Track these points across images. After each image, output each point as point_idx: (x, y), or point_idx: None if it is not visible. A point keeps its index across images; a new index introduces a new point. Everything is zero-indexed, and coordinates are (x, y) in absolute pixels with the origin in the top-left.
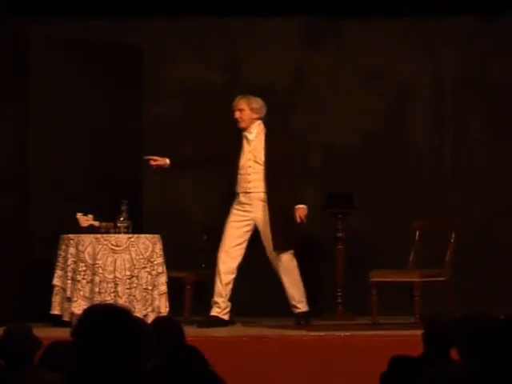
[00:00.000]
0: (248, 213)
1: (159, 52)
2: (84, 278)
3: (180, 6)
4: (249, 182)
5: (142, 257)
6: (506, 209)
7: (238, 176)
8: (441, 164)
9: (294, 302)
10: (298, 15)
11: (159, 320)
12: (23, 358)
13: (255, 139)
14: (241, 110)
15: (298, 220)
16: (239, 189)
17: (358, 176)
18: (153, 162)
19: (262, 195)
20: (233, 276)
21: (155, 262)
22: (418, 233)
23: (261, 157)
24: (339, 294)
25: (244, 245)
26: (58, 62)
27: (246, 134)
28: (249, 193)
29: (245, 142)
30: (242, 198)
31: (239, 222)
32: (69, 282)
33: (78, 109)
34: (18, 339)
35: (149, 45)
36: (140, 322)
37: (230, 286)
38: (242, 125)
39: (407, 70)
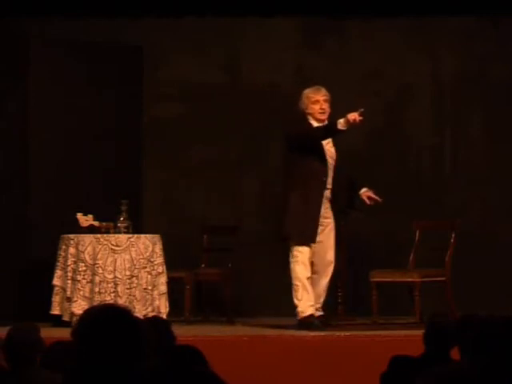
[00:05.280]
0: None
1: (159, 52)
2: (84, 278)
3: (180, 6)
4: (328, 176)
5: (142, 257)
6: (506, 209)
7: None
8: (441, 164)
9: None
10: (298, 15)
11: (147, 320)
12: (26, 358)
13: None
14: (327, 100)
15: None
16: (327, 184)
17: (359, 176)
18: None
19: (329, 192)
20: None
21: (155, 262)
22: (418, 233)
23: (333, 151)
24: (339, 293)
25: None
26: (57, 61)
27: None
28: (328, 189)
29: None
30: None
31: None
32: (69, 282)
33: (78, 109)
34: (22, 339)
35: (149, 45)
36: (140, 322)
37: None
38: (325, 117)
39: (407, 70)
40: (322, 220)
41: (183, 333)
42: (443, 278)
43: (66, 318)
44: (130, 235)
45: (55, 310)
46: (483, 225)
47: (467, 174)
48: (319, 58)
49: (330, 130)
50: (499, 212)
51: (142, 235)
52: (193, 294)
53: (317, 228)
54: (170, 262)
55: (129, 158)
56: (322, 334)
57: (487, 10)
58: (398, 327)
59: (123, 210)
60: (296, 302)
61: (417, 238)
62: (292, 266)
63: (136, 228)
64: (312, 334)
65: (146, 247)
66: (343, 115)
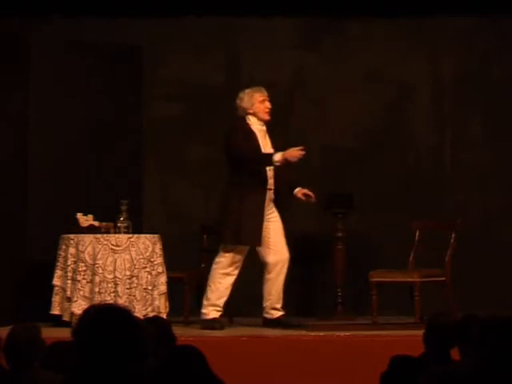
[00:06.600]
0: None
1: (159, 52)
2: (84, 278)
3: (180, 6)
4: (270, 178)
5: (142, 257)
6: (506, 209)
7: (264, 172)
8: (441, 164)
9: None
10: (297, 15)
11: (147, 320)
12: (26, 358)
13: (266, 133)
14: (269, 101)
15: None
16: (268, 185)
17: (358, 176)
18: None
19: (273, 193)
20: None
21: (155, 262)
22: (418, 233)
23: (270, 150)
24: (339, 294)
25: None
26: (57, 61)
27: (263, 127)
28: (270, 190)
29: (261, 136)
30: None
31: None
32: (69, 281)
33: (78, 109)
34: (22, 339)
35: (149, 45)
36: (140, 322)
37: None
38: (269, 117)
39: (407, 70)
40: (266, 223)
41: (183, 333)
42: (443, 278)
43: (66, 318)
44: (130, 235)
45: (55, 310)
46: (483, 225)
47: (467, 174)
48: (319, 59)
49: (264, 162)
50: (499, 212)
51: (142, 235)
52: (193, 294)
53: (261, 231)
54: (170, 262)
55: (129, 157)
56: (322, 333)
57: (487, 10)
58: (397, 327)
59: (123, 209)
60: (204, 301)
61: (417, 237)
62: (213, 267)
63: (136, 228)
64: (312, 333)
65: (146, 247)
66: (342, 115)
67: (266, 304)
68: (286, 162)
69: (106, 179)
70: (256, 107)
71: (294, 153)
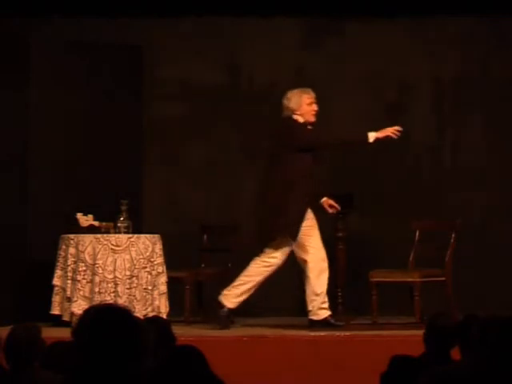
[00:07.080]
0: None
1: (159, 52)
2: (84, 278)
3: (180, 6)
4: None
5: (142, 257)
6: (506, 209)
7: (311, 177)
8: (441, 164)
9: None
10: (298, 15)
11: (147, 320)
12: (26, 358)
13: None
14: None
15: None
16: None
17: (358, 176)
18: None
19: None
20: None
21: (155, 262)
22: (418, 233)
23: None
24: (339, 294)
25: None
26: (57, 61)
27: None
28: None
29: None
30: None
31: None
32: (69, 281)
33: (78, 109)
34: (22, 339)
35: (149, 45)
36: (140, 322)
37: None
38: (315, 119)
39: (407, 70)
40: (305, 222)
41: (183, 333)
42: (443, 278)
43: (66, 318)
44: (130, 235)
45: (55, 310)
46: (483, 225)
47: (467, 174)
48: (319, 58)
49: (358, 142)
50: (499, 212)
51: (142, 235)
52: (193, 294)
53: (300, 227)
54: (170, 262)
55: (129, 157)
56: (322, 333)
57: (487, 10)
58: (397, 327)
59: (123, 209)
60: (232, 289)
61: (417, 238)
62: (258, 262)
63: (136, 228)
64: (312, 333)
65: (146, 247)
66: (342, 115)
67: (313, 304)
68: (379, 139)
69: (106, 179)
70: (303, 109)
71: (390, 129)
